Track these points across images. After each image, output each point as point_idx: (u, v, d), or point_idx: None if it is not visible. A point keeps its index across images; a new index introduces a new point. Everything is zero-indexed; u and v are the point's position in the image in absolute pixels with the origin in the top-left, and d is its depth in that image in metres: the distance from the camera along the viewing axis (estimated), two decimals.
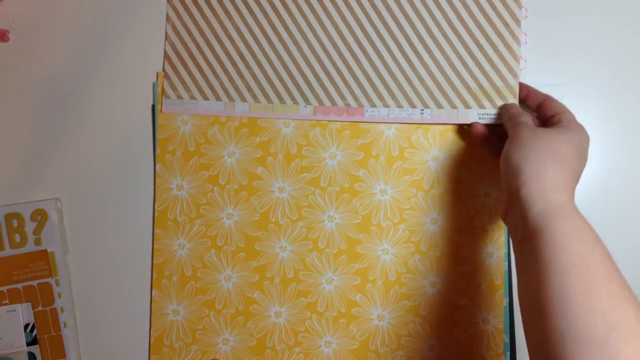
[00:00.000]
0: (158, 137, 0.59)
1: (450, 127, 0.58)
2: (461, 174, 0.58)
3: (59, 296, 0.59)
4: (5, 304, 0.58)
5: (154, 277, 0.59)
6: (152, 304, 0.58)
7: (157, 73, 0.60)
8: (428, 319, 0.58)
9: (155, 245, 0.59)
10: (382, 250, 0.58)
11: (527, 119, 0.52)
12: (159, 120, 0.59)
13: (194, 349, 0.58)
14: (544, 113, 0.54)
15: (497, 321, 0.57)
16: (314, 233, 0.59)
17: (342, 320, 0.58)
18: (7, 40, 0.60)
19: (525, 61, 0.58)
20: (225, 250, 0.59)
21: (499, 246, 0.58)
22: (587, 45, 0.60)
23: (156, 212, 0.59)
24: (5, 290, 0.58)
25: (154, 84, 0.60)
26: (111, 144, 0.60)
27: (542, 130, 0.49)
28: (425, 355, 0.58)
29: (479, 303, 0.57)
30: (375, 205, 0.59)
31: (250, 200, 0.59)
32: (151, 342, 0.58)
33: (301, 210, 0.59)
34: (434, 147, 0.58)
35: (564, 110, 0.52)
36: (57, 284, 0.59)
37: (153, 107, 0.60)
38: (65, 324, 0.59)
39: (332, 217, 0.59)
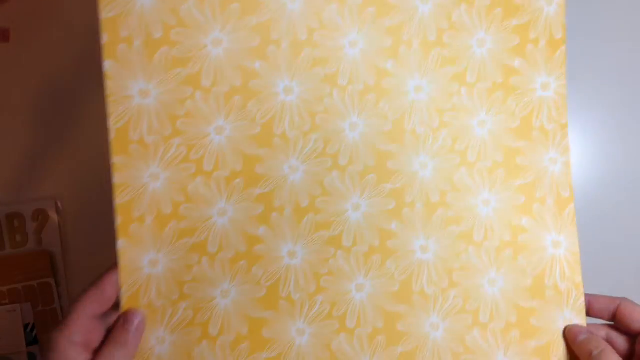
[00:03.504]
0: (102, 16, 0.42)
1: (498, 1, 0.46)
2: (512, 62, 0.46)
3: (59, 296, 0.58)
4: (5, 304, 0.57)
5: (118, 223, 0.43)
6: (120, 257, 0.42)
7: None
8: (484, 245, 0.46)
9: (115, 180, 0.43)
10: (419, 163, 0.46)
11: (615, 357, 0.42)
12: None
13: (182, 307, 0.43)
14: (627, 326, 0.45)
15: (570, 243, 0.46)
16: (333, 147, 0.45)
17: (375, 257, 0.45)
18: (8, 40, 0.59)
19: None
20: (216, 177, 0.44)
21: (563, 150, 0.46)
22: (587, 46, 0.60)
23: (112, 132, 0.43)
24: (5, 290, 0.58)
25: None
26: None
27: None
28: (484, 292, 0.46)
29: (546, 223, 0.46)
30: (407, 108, 0.45)
31: (247, 108, 0.44)
32: (122, 304, 0.42)
33: (315, 117, 0.45)
34: (479, 27, 0.46)
35: None
36: (57, 284, 0.58)
37: None
38: None
39: (355, 125, 0.45)
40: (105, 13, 0.42)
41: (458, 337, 0.45)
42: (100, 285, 0.41)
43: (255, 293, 0.43)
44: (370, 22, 0.45)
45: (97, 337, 0.41)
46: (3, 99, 0.59)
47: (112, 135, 0.43)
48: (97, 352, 0.40)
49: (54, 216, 0.58)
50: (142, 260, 0.42)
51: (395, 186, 0.45)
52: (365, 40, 0.45)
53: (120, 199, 0.43)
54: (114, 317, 0.42)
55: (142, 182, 0.43)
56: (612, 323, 0.46)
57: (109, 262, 0.52)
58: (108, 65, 0.42)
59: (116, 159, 0.43)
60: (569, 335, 0.45)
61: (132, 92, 0.43)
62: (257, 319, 0.43)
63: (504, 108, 0.46)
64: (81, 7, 0.59)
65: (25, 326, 0.57)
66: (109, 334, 0.41)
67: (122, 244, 0.43)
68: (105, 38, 0.42)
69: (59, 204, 0.59)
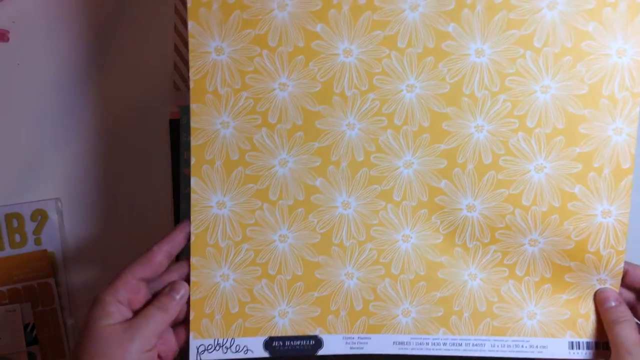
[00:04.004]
0: None
1: None
2: (586, 26, 0.44)
3: (59, 296, 0.58)
4: (5, 304, 0.57)
5: (192, 163, 0.48)
6: (193, 195, 0.49)
7: None
8: (532, 210, 0.47)
9: (192, 124, 0.48)
10: (475, 126, 0.46)
11: (632, 331, 0.45)
12: None
13: (244, 249, 0.49)
14: None
15: (620, 213, 0.46)
16: (389, 107, 0.47)
17: (423, 211, 0.48)
18: (7, 40, 0.59)
19: None
20: (279, 129, 0.47)
21: (630, 121, 0.45)
22: None
23: (192, 82, 0.47)
24: (5, 290, 0.57)
25: None
26: (112, 143, 0.59)
27: None
28: (524, 249, 0.48)
29: (599, 191, 0.46)
30: (467, 72, 0.45)
31: (309, 67, 0.46)
32: (192, 240, 0.49)
33: (372, 78, 0.46)
34: None
35: None
36: (57, 284, 0.58)
37: None
38: (65, 324, 0.58)
39: (412, 87, 0.46)
40: None
41: (493, 287, 0.48)
42: (151, 252, 0.46)
43: (311, 239, 0.49)
44: None
45: (140, 298, 0.46)
46: (3, 99, 0.59)
47: (192, 85, 0.47)
48: (138, 312, 0.45)
49: (53, 216, 0.58)
50: (211, 199, 0.48)
51: (448, 147, 0.47)
52: (427, 4, 0.44)
53: (195, 141, 0.48)
54: (158, 282, 0.48)
55: (214, 127, 0.48)
56: None
57: (109, 262, 0.58)
58: (191, 26, 0.46)
59: (194, 106, 0.48)
60: (599, 298, 0.47)
61: (210, 48, 0.47)
62: (311, 262, 0.49)
63: (572, 74, 0.45)
64: (81, 7, 0.59)
65: (25, 326, 0.57)
66: (154, 298, 0.47)
67: (194, 182, 0.48)
68: (190, 3, 0.46)
69: (59, 204, 0.58)
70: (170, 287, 0.47)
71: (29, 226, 0.58)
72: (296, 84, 0.47)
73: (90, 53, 0.59)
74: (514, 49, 0.45)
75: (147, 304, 0.46)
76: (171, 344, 0.48)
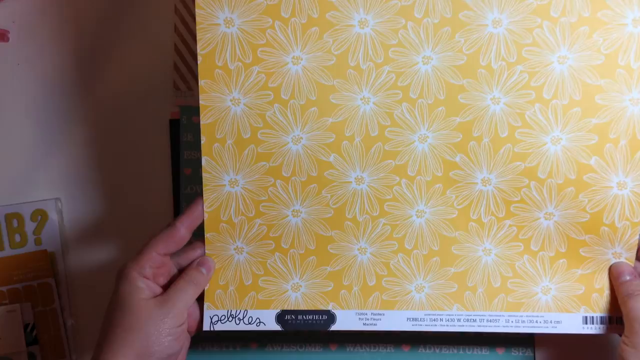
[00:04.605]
0: None
1: None
2: None
3: (59, 296, 0.58)
4: (5, 304, 0.57)
5: (203, 142, 0.47)
6: (204, 174, 0.47)
7: None
8: (547, 182, 0.47)
9: (201, 101, 0.46)
10: (491, 99, 0.46)
11: None
12: None
13: (257, 223, 0.48)
14: None
15: (636, 185, 0.46)
16: (405, 80, 0.46)
17: (437, 186, 0.47)
18: (7, 40, 0.59)
19: None
20: (292, 105, 0.46)
21: None
22: None
23: (200, 57, 0.46)
24: (5, 290, 0.57)
25: None
26: (112, 143, 0.59)
27: None
28: (539, 224, 0.47)
29: (615, 163, 0.46)
30: (484, 42, 0.45)
31: (323, 39, 0.45)
32: (205, 218, 0.48)
33: (388, 51, 0.45)
34: None
35: None
36: (57, 284, 0.58)
37: None
38: (65, 324, 0.58)
39: (428, 59, 0.45)
40: None
41: (508, 262, 0.48)
42: (174, 227, 0.46)
43: (324, 214, 0.48)
44: None
45: (165, 272, 0.46)
46: (3, 98, 0.59)
47: (200, 60, 0.46)
48: (166, 286, 0.46)
49: (53, 216, 0.58)
50: (223, 178, 0.47)
51: (464, 120, 0.46)
52: None
53: (205, 119, 0.47)
54: (183, 257, 0.48)
55: (224, 105, 0.46)
56: None
57: (109, 262, 0.58)
58: None
59: (202, 82, 0.46)
60: (614, 272, 0.47)
61: (219, 20, 0.45)
62: (324, 237, 0.48)
63: (589, 44, 0.44)
64: (81, 7, 0.59)
65: (25, 326, 0.57)
66: (180, 273, 0.47)
67: (205, 161, 0.47)
68: None
69: (59, 204, 0.58)
70: (199, 262, 0.48)
71: (29, 226, 0.58)
72: (310, 57, 0.46)
73: (91, 53, 0.59)
74: (531, 19, 0.44)
75: (173, 278, 0.47)
76: (195, 316, 0.48)
